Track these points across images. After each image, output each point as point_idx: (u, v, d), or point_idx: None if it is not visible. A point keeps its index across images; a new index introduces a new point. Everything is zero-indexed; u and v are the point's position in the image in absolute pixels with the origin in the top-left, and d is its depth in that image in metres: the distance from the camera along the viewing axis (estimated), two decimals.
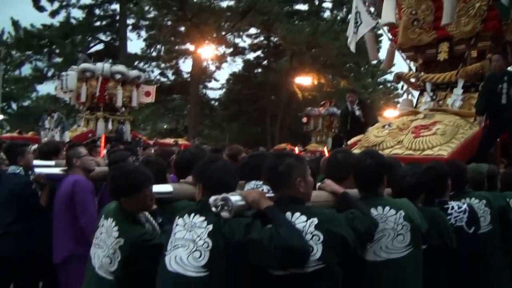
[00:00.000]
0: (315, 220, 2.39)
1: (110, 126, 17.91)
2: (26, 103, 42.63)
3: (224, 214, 2.42)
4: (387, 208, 2.87)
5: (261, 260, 2.31)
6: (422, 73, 8.71)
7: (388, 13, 8.11)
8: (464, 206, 3.56)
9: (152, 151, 10.70)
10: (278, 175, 2.58)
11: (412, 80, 9.05)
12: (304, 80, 33.30)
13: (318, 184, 3.16)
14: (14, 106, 41.63)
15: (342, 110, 10.28)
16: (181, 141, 20.25)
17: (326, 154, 6.19)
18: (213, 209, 2.45)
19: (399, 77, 9.27)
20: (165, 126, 46.04)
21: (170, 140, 20.92)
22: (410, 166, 3.58)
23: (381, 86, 45.91)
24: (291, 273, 2.36)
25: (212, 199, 2.48)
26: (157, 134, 37.64)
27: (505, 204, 4.18)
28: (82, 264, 4.18)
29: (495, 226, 3.91)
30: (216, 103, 40.24)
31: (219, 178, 2.61)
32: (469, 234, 3.50)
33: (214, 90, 39.29)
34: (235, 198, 2.48)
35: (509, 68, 7.46)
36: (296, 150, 14.69)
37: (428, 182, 3.49)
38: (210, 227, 2.43)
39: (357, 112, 9.21)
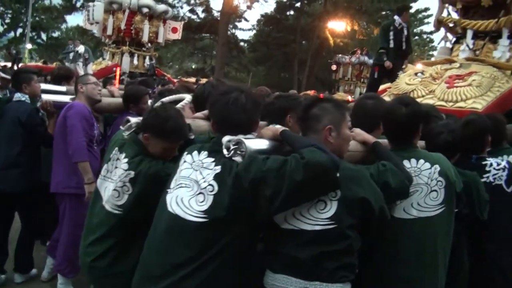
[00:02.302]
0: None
1: (135, 61, 17.60)
2: (55, 34, 42.54)
3: (237, 158, 2.14)
4: (422, 161, 2.61)
5: (279, 186, 2.02)
6: (462, 19, 8.16)
7: None
8: (504, 163, 3.30)
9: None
10: (307, 119, 2.33)
11: (451, 25, 8.50)
12: (337, 26, 32.51)
13: None
14: (43, 36, 41.44)
15: (385, 23, 9.36)
16: (203, 81, 19.94)
17: None
18: (225, 151, 2.18)
19: (440, 22, 8.71)
20: (193, 66, 45.67)
21: (194, 79, 20.63)
22: (447, 121, 3.26)
23: (416, 38, 44.64)
24: (299, 229, 2.13)
25: (225, 139, 2.21)
26: (183, 73, 37.34)
27: None
28: (78, 194, 4.05)
29: None
30: (245, 45, 39.53)
31: (228, 114, 2.26)
32: (509, 193, 3.24)
33: (244, 31, 38.63)
34: (250, 142, 2.19)
35: None
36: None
37: (468, 138, 3.22)
38: (218, 169, 2.16)
39: (405, 32, 8.65)
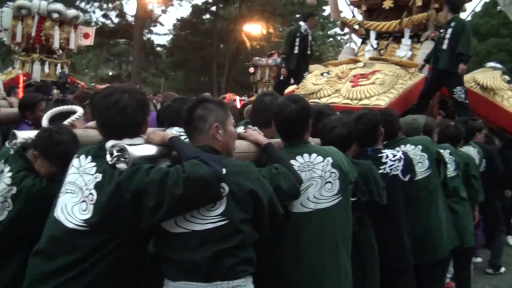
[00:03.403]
0: (223, 170, 2.09)
1: (46, 69, 16.85)
2: None
3: (121, 166, 2.04)
4: (314, 155, 2.66)
5: (161, 198, 1.95)
6: (365, 21, 8.52)
7: None
8: (399, 154, 3.43)
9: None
10: (193, 120, 2.29)
11: (356, 27, 8.83)
12: (253, 29, 32.84)
13: (239, 130, 2.90)
14: None
15: (291, 29, 9.46)
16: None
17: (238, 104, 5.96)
18: (108, 157, 2.06)
19: (343, 23, 9.04)
20: (109, 73, 44.54)
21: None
22: (340, 116, 3.34)
23: (331, 39, 45.87)
24: (190, 230, 2.08)
25: (109, 144, 2.09)
26: (98, 80, 36.33)
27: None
28: None
29: (433, 170, 3.86)
30: (162, 49, 39.06)
31: (110, 118, 2.13)
32: (405, 182, 3.39)
33: (160, 36, 38.22)
34: (135, 148, 2.09)
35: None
36: (237, 100, 14.34)
37: (361, 131, 3.32)
38: (99, 177, 2.05)
39: (310, 37, 8.86)
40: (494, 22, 35.13)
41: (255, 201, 2.15)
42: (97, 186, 2.03)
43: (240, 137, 2.71)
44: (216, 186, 2.03)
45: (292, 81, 8.72)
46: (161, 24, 36.94)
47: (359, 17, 9.05)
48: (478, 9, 36.10)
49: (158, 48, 38.52)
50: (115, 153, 2.05)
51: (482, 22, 35.94)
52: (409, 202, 3.48)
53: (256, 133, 2.73)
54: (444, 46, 6.49)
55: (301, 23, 8.99)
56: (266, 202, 2.18)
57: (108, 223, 2.00)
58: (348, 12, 9.43)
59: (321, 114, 3.23)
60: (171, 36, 38.53)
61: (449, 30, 6.49)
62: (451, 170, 4.28)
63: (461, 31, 6.45)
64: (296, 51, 8.70)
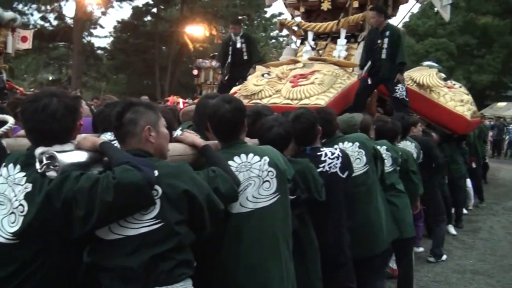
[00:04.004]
0: (154, 173, 2.05)
1: None
2: None
3: (51, 174, 1.95)
4: (251, 155, 2.67)
5: (91, 207, 1.89)
6: (304, 22, 8.66)
7: None
8: (337, 152, 3.49)
9: None
10: (123, 125, 2.21)
11: (294, 28, 8.97)
12: (195, 31, 32.71)
13: (175, 134, 2.87)
14: None
15: (224, 39, 9.69)
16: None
17: (182, 106, 5.92)
18: (37, 165, 1.97)
19: (282, 24, 9.17)
20: (49, 77, 43.23)
21: None
22: (277, 116, 3.38)
23: (273, 41, 46.27)
24: (125, 236, 2.01)
25: (38, 151, 2.01)
26: (38, 85, 35.23)
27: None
28: None
29: (371, 166, 3.96)
30: (103, 52, 38.26)
31: (38, 124, 2.04)
32: (343, 179, 3.47)
33: (100, 38, 37.33)
34: (65, 155, 2.01)
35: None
36: (181, 102, 14.28)
37: (298, 130, 3.36)
38: (29, 187, 1.97)
39: (239, 44, 8.83)
40: (431, 23, 36.48)
41: (191, 201, 2.12)
42: (27, 197, 1.95)
43: (177, 140, 2.70)
44: (148, 191, 1.98)
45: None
46: (101, 26, 36.16)
47: (298, 19, 9.20)
48: (415, 10, 37.62)
49: (99, 51, 37.77)
50: (45, 161, 1.97)
51: (419, 23, 37.25)
52: (348, 198, 3.57)
53: (192, 136, 2.73)
54: (383, 56, 6.67)
55: (230, 31, 9.14)
56: (204, 201, 2.16)
57: (39, 234, 1.93)
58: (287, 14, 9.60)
59: (258, 114, 3.26)
60: (111, 38, 37.91)
61: (386, 40, 6.66)
62: (388, 166, 4.40)
63: (398, 40, 6.67)
64: (229, 59, 8.88)
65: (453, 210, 8.03)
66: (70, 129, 2.12)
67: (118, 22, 36.76)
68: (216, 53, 25.95)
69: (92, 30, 35.98)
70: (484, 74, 33.81)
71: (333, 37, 8.44)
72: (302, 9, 8.93)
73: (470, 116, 7.39)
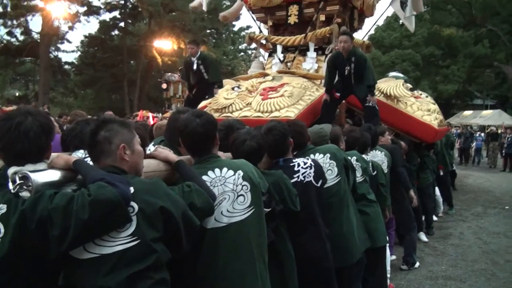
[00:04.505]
0: (130, 190, 2.02)
1: None
2: None
3: (24, 194, 1.91)
4: (225, 169, 2.67)
5: (66, 226, 1.84)
6: (272, 36, 8.75)
7: None
8: (309, 161, 3.54)
9: None
10: (98, 143, 2.18)
11: (263, 42, 9.04)
12: (164, 45, 32.63)
13: (149, 150, 2.85)
14: None
15: (185, 59, 9.54)
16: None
17: (151, 120, 5.90)
18: (10, 186, 1.93)
19: (251, 38, 9.24)
20: (16, 93, 42.47)
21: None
22: (249, 129, 3.40)
23: (242, 54, 46.50)
24: (100, 255, 1.96)
25: (11, 171, 1.97)
26: (4, 102, 34.58)
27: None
28: None
29: (343, 176, 3.99)
30: (70, 67, 37.82)
31: (11, 142, 1.99)
32: (318, 188, 3.51)
33: (68, 53, 36.93)
34: (39, 174, 1.97)
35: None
36: (151, 117, 14.20)
37: (270, 143, 3.39)
38: (4, 208, 1.91)
39: (195, 66, 8.63)
40: (396, 35, 37.29)
41: (167, 218, 2.09)
42: (3, 219, 1.90)
43: (150, 156, 2.68)
44: (124, 208, 1.95)
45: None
46: (68, 41, 36.02)
47: (266, 31, 9.29)
48: (380, 23, 38.32)
49: (66, 66, 37.38)
50: (18, 181, 1.93)
51: (385, 35, 38.00)
52: (324, 206, 3.62)
53: (166, 151, 2.71)
54: (353, 81, 6.63)
55: None
56: (179, 217, 2.13)
57: (15, 257, 1.88)
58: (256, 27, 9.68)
59: (230, 128, 3.29)
60: (79, 53, 37.54)
61: (353, 65, 6.56)
62: (358, 176, 4.46)
63: (365, 65, 6.56)
64: (191, 79, 8.83)
65: (423, 218, 8.15)
66: (44, 148, 2.09)
67: (85, 36, 36.49)
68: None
69: (59, 45, 35.63)
70: (449, 84, 34.65)
71: (301, 49, 8.53)
72: (270, 23, 9.03)
73: (437, 125, 7.52)
